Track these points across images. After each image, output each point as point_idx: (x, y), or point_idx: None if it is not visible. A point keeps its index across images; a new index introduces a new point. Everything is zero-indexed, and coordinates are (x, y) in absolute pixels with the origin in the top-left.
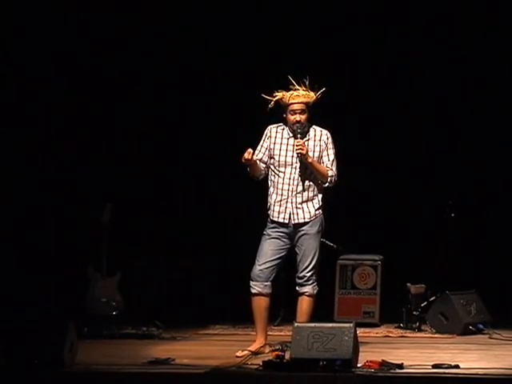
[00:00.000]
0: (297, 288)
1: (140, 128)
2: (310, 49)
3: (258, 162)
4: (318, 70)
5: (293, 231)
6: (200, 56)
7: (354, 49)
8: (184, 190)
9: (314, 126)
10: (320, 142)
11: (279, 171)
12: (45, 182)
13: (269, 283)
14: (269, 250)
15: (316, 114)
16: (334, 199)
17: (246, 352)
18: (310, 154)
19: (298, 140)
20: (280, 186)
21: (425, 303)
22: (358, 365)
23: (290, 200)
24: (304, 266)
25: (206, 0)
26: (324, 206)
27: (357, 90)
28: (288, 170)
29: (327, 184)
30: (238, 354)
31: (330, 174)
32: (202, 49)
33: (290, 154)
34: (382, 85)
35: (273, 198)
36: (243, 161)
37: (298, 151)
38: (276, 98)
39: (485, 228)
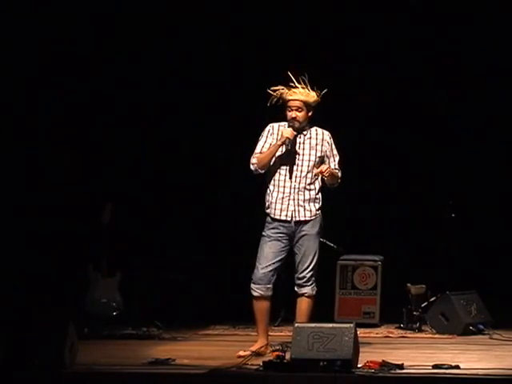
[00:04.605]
0: (296, 289)
1: (140, 128)
2: (310, 48)
3: None
4: (318, 70)
5: (293, 230)
6: (200, 55)
7: (354, 49)
8: (184, 190)
9: (315, 127)
10: (323, 142)
11: (280, 169)
12: (45, 182)
13: (271, 285)
14: (270, 252)
15: (317, 113)
16: (335, 199)
17: (247, 352)
18: (312, 152)
19: (322, 169)
20: (282, 184)
21: (425, 303)
22: (359, 365)
23: (292, 197)
24: (304, 267)
25: None
26: (323, 206)
27: (357, 88)
28: (289, 167)
29: (335, 185)
30: (240, 353)
31: (339, 176)
32: (201, 47)
33: (290, 151)
34: (383, 84)
35: (273, 196)
36: (286, 137)
37: (326, 174)
38: (278, 91)
39: (485, 228)
